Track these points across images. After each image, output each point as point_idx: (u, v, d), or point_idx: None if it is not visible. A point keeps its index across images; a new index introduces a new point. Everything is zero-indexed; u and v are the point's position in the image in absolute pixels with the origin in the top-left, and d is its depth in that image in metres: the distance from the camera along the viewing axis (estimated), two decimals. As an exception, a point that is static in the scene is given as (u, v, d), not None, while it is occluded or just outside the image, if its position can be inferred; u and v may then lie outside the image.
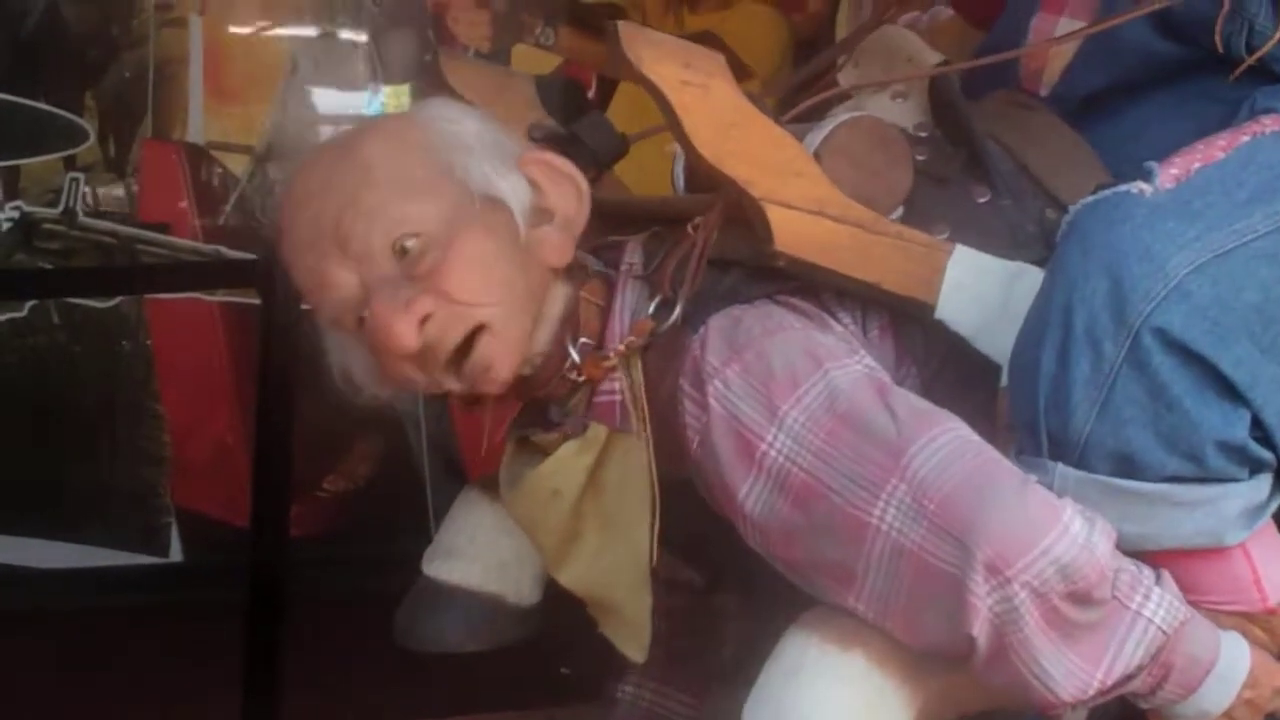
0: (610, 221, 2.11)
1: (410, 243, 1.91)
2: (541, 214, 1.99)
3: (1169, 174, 1.87)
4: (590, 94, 3.40)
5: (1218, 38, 1.98)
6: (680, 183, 2.18)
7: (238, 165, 4.29)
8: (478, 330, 1.90)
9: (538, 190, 2.00)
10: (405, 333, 1.88)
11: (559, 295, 1.99)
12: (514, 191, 1.98)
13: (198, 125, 4.24)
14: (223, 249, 4.25)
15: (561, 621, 2.15)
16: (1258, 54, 1.98)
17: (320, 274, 1.94)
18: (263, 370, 3.34)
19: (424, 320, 1.88)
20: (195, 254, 4.25)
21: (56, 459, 4.22)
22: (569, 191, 2.02)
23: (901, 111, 2.15)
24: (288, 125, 4.36)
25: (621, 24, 1.92)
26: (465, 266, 1.91)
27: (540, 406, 2.05)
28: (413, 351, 1.89)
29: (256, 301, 3.57)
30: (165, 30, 4.19)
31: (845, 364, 1.85)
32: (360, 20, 4.24)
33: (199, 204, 4.24)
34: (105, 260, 4.19)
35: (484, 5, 3.76)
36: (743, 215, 1.93)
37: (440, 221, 1.92)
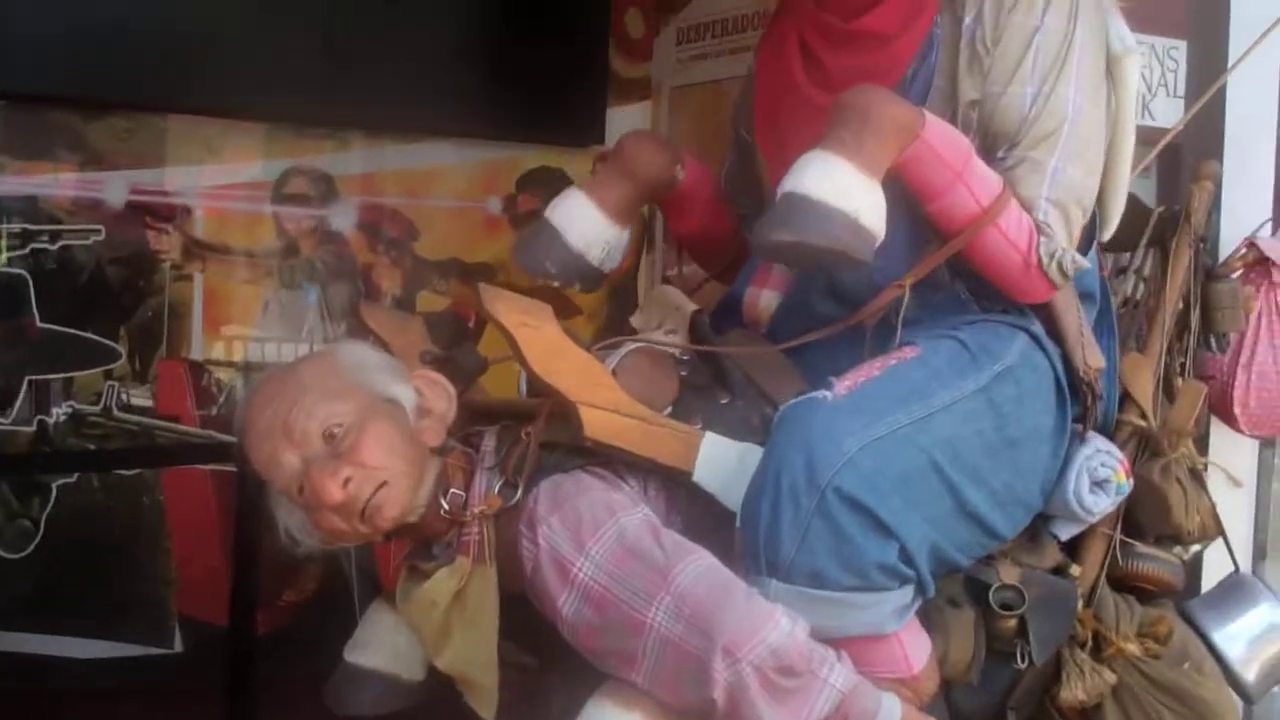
0: (475, 416, 2.14)
1: (336, 430, 1.93)
2: (424, 411, 2.02)
3: (843, 385, 1.93)
4: (472, 323, 3.42)
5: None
6: (523, 389, 2.20)
7: (226, 376, 4.27)
8: (381, 486, 1.92)
9: (421, 395, 2.03)
10: (333, 490, 1.89)
11: (434, 466, 2.01)
12: (405, 395, 2.01)
13: (198, 348, 4.20)
14: (214, 433, 4.21)
15: (440, 693, 2.14)
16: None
17: (274, 457, 1.95)
18: (239, 518, 3.33)
19: (346, 481, 1.90)
20: (195, 437, 4.20)
21: (95, 579, 4.12)
22: (443, 396, 2.05)
23: (671, 342, 2.20)
24: (261, 349, 4.35)
25: (483, 286, 1.99)
26: (373, 443, 1.93)
27: (425, 544, 2.06)
28: (338, 503, 1.90)
29: (236, 470, 3.54)
30: (176, 283, 4.17)
31: (631, 513, 1.88)
32: (313, 276, 4.24)
33: (198, 402, 4.19)
34: (132, 442, 4.14)
35: (398, 265, 3.75)
36: (564, 412, 1.96)
37: (356, 415, 1.95)
